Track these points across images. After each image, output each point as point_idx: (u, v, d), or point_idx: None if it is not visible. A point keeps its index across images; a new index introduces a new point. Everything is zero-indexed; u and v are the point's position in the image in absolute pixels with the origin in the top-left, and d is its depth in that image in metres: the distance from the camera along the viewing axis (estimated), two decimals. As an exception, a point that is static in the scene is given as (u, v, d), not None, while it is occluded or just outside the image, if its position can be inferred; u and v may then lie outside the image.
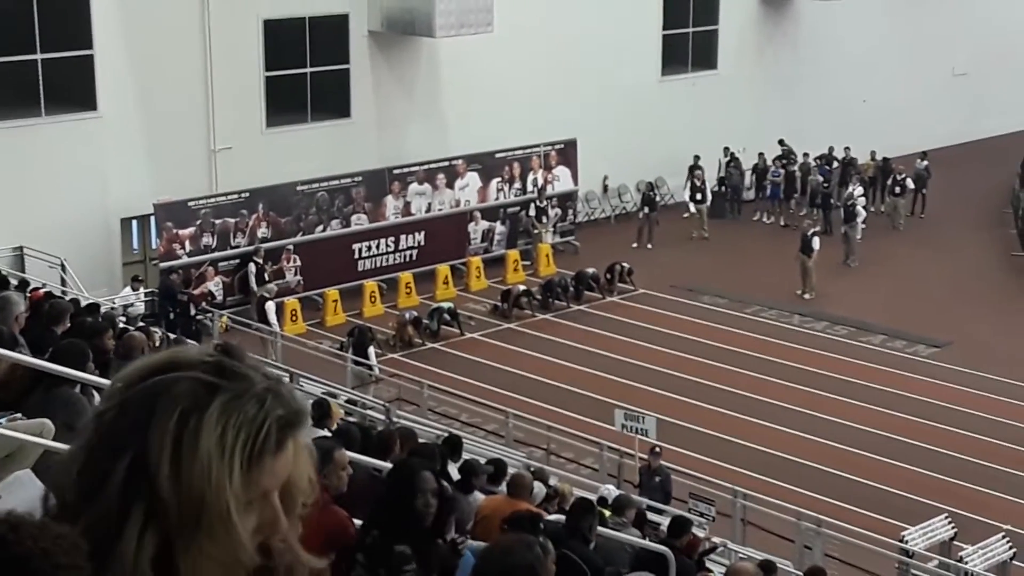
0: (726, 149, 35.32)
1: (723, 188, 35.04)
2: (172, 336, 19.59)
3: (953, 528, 17.37)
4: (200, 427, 1.42)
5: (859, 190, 33.07)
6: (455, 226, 30.55)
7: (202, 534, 1.41)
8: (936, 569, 16.62)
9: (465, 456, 13.46)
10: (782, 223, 34.17)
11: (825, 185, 34.28)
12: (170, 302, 25.32)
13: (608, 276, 29.22)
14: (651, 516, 15.35)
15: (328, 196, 28.85)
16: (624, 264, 29.41)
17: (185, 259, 26.75)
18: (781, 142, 36.15)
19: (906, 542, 16.75)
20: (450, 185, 30.74)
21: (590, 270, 29.07)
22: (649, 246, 32.41)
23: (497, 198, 31.48)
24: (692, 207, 33.68)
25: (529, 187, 31.91)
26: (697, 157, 34.34)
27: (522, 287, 28.35)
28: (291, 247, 28.02)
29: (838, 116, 37.69)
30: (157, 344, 15.96)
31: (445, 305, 27.08)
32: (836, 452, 21.08)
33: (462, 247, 30.53)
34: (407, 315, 26.34)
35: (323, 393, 16.87)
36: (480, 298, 28.93)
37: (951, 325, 26.97)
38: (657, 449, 18.57)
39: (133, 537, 1.40)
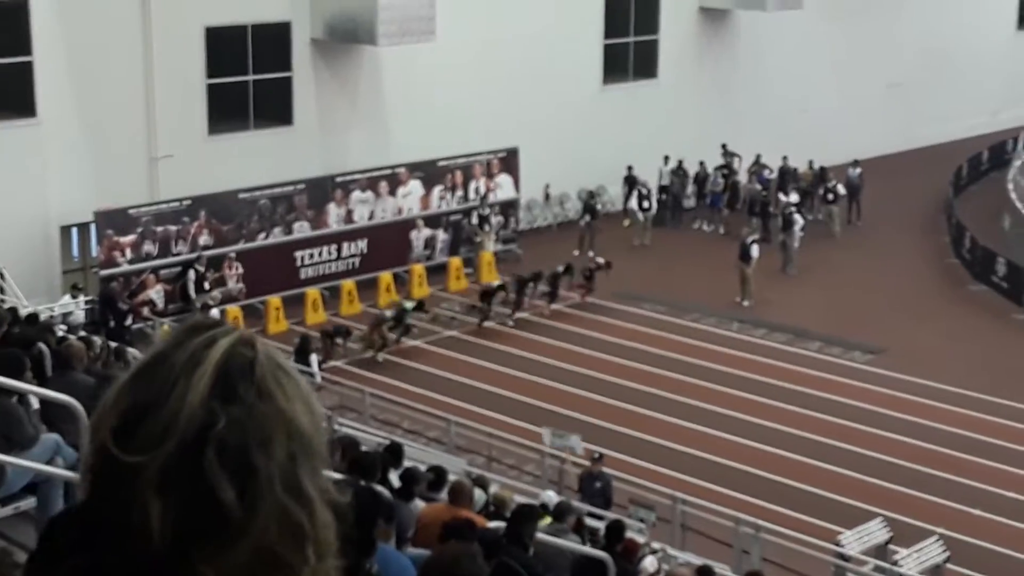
0: (666, 157, 35.55)
1: (664, 196, 35.28)
2: (113, 345, 19.41)
3: (888, 531, 17.56)
4: (291, 375, 1.56)
5: (794, 198, 33.42)
6: (398, 234, 30.52)
7: (321, 447, 1.56)
8: (871, 572, 16.80)
9: (407, 463, 13.46)
10: (722, 231, 34.44)
11: (763, 193, 34.61)
12: (111, 310, 25.09)
13: (587, 275, 29.10)
14: (591, 522, 15.38)
15: (270, 203, 28.72)
16: (599, 259, 29.47)
17: (126, 267, 26.53)
18: (724, 147, 36.47)
19: (842, 546, 16.90)
20: (393, 193, 30.68)
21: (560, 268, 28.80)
22: (591, 254, 32.50)
23: (440, 206, 31.48)
24: (640, 215, 33.88)
25: (471, 195, 31.94)
26: (630, 167, 34.58)
27: (495, 283, 28.32)
28: (233, 255, 27.86)
29: (776, 125, 38.03)
30: (97, 352, 15.80)
31: (408, 304, 26.80)
32: (774, 457, 21.27)
33: (404, 255, 30.51)
34: (382, 314, 26.26)
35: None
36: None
37: (886, 331, 27.28)
38: (598, 455, 18.65)
39: (315, 489, 1.53)
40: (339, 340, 25.41)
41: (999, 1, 46.56)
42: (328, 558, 1.54)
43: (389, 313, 26.33)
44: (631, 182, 34.69)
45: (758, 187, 34.92)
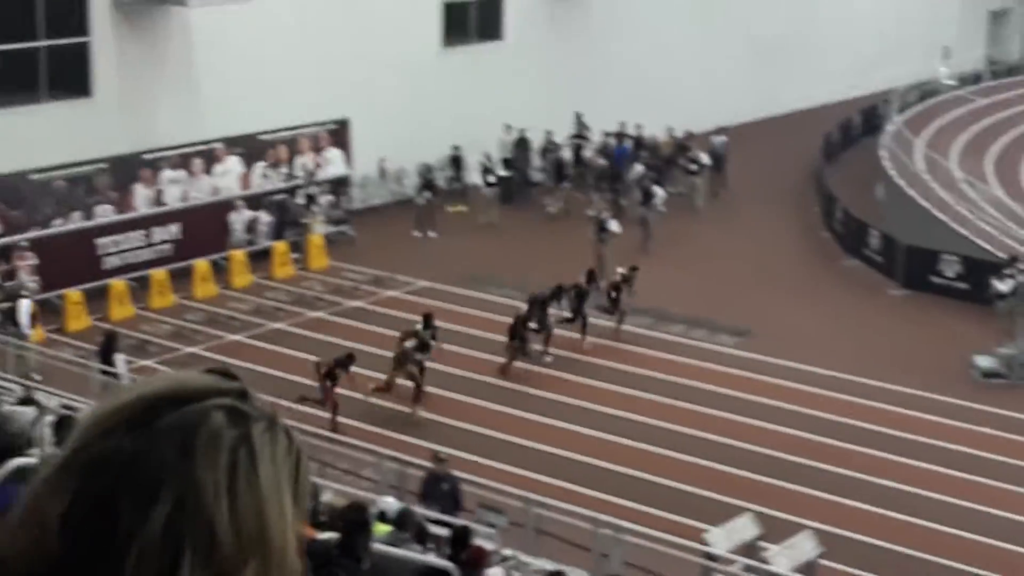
0: (507, 127, 35.63)
1: (510, 170, 35.39)
2: None
3: (758, 527, 17.91)
4: (254, 460, 1.41)
5: (639, 169, 33.97)
6: (215, 217, 30.08)
7: (255, 567, 1.41)
8: (741, 572, 17.12)
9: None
10: (552, 209, 34.54)
11: (609, 167, 35.02)
12: None
13: (612, 294, 26.91)
14: (437, 529, 15.39)
15: (67, 185, 28.10)
16: (620, 270, 27.13)
17: (-101, 259, 25.71)
18: (578, 117, 36.76)
19: (708, 544, 17.19)
20: (208, 171, 30.34)
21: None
22: (432, 234, 32.54)
23: (262, 185, 31.14)
24: (486, 191, 33.99)
25: (297, 172, 31.69)
26: (456, 147, 34.50)
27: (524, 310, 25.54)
28: (25, 243, 27.16)
29: (634, 91, 38.48)
30: None
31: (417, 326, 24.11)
32: (635, 451, 21.53)
33: (223, 240, 30.10)
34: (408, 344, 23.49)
35: (63, 407, 16.43)
36: (245, 295, 28.58)
37: (755, 312, 27.82)
38: (442, 455, 18.67)
39: None
40: (343, 373, 22.47)
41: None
42: None
43: (410, 343, 23.42)
44: (456, 162, 34.71)
45: (601, 162, 35.35)
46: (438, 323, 24.28)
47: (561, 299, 26.11)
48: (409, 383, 23.03)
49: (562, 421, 22.63)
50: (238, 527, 1.38)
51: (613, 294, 26.83)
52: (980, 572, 18.15)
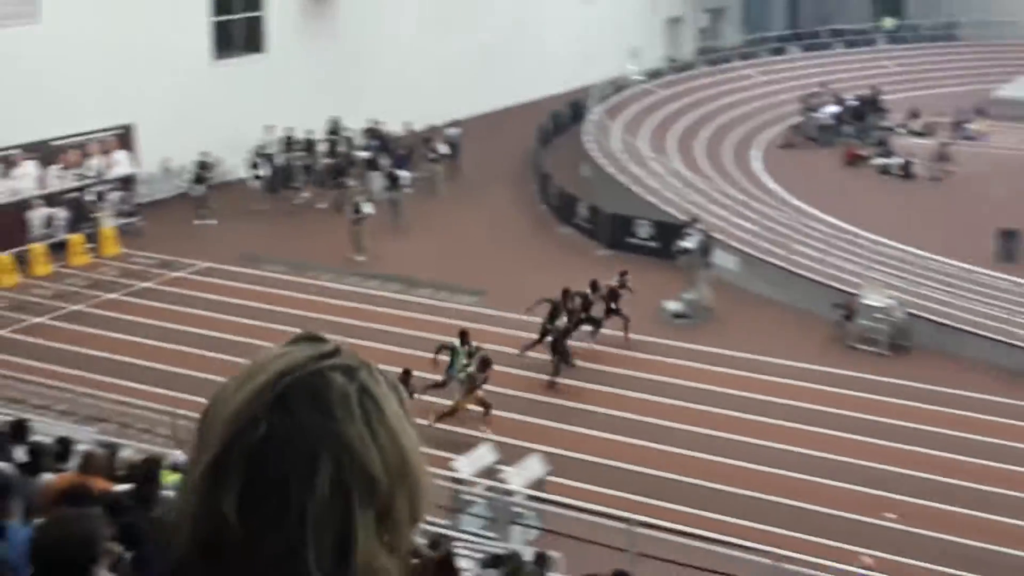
0: (268, 127, 34.92)
1: (271, 165, 34.67)
2: None
3: (495, 454, 18.30)
4: (378, 404, 1.39)
5: (364, 155, 34.30)
6: (14, 215, 28.74)
7: (404, 494, 1.40)
8: (484, 492, 17.46)
9: (38, 438, 12.89)
10: (308, 197, 34.05)
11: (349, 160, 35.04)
12: None
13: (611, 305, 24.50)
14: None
15: None
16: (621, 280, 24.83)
17: None
18: (334, 121, 36.41)
19: (455, 471, 17.48)
20: (7, 175, 29.05)
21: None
22: (211, 221, 31.97)
23: (57, 185, 29.94)
24: (256, 182, 33.49)
25: (88, 172, 30.71)
26: (205, 154, 32.96)
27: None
28: None
29: (382, 91, 38.41)
30: None
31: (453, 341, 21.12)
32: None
33: (23, 235, 28.84)
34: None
35: None
36: (46, 283, 27.55)
37: (488, 274, 28.18)
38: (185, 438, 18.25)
39: (370, 530, 1.36)
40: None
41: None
42: None
43: (464, 362, 20.58)
44: (203, 168, 33.20)
45: (327, 160, 35.01)
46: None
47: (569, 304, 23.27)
48: (479, 408, 20.45)
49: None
50: (387, 464, 1.37)
51: (613, 305, 24.46)
52: (693, 480, 18.92)
